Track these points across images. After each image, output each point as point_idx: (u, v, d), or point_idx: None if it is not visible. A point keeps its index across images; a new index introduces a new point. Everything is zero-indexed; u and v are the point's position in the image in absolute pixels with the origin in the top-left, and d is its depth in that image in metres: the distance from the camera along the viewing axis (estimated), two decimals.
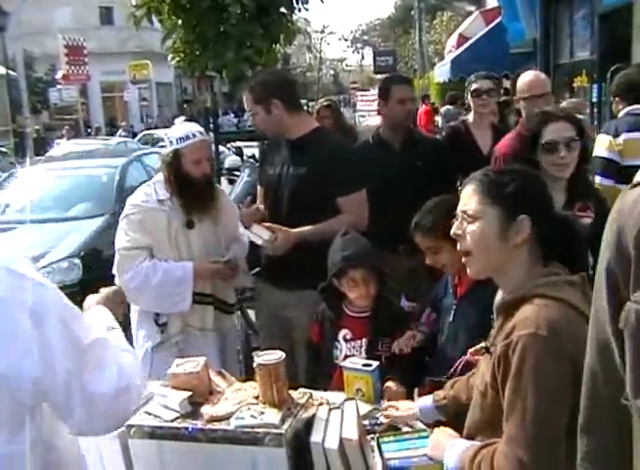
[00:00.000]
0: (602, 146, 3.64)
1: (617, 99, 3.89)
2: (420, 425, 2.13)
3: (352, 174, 3.02)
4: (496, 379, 1.55)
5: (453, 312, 2.41)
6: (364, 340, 2.59)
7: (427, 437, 1.85)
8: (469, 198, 1.65)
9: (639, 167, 1.31)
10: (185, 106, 35.04)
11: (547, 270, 1.61)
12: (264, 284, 3.26)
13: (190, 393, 1.83)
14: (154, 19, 4.97)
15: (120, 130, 24.90)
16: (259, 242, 2.94)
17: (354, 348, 2.60)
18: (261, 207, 3.21)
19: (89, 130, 25.51)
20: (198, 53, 4.76)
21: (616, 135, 3.61)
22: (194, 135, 2.97)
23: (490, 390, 1.59)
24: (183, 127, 3.10)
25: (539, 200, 1.64)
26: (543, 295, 1.53)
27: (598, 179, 3.51)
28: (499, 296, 1.68)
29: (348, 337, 2.62)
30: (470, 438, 1.69)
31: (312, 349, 2.74)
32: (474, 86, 4.09)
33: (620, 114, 3.82)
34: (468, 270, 1.71)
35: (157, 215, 2.96)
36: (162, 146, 3.46)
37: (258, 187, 3.35)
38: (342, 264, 2.56)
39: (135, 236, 2.94)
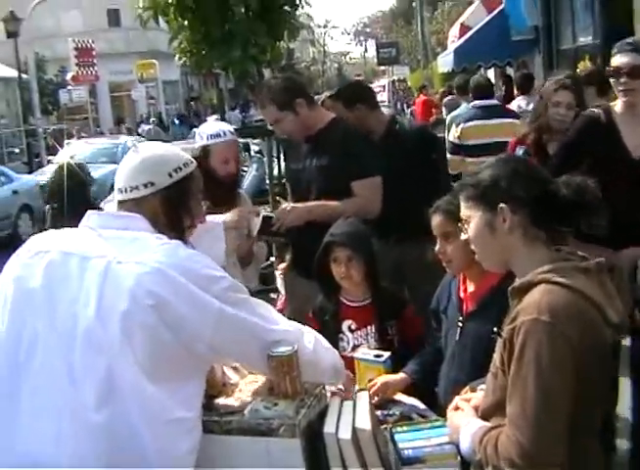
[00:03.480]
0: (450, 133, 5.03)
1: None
2: (433, 415, 2.14)
3: (366, 159, 3.04)
4: (504, 362, 1.58)
5: (459, 330, 2.25)
6: (369, 327, 2.60)
7: (440, 426, 1.87)
8: (462, 204, 1.74)
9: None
10: (192, 103, 34.99)
11: (556, 256, 1.63)
12: (294, 275, 3.27)
13: None
14: (160, 19, 5.02)
15: (123, 128, 24.03)
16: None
17: (361, 336, 2.61)
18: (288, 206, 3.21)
19: (98, 129, 25.44)
20: (204, 52, 4.80)
21: (457, 124, 4.90)
22: (224, 134, 3.03)
23: (500, 372, 1.62)
24: (216, 125, 3.23)
25: (513, 184, 1.63)
26: (549, 280, 1.55)
27: (448, 156, 4.77)
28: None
29: (353, 327, 2.62)
30: (484, 420, 1.69)
31: None
32: (613, 63, 2.85)
33: (463, 106, 5.60)
34: (483, 264, 1.76)
35: None
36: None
37: (287, 184, 3.40)
38: (327, 239, 2.58)
39: None
